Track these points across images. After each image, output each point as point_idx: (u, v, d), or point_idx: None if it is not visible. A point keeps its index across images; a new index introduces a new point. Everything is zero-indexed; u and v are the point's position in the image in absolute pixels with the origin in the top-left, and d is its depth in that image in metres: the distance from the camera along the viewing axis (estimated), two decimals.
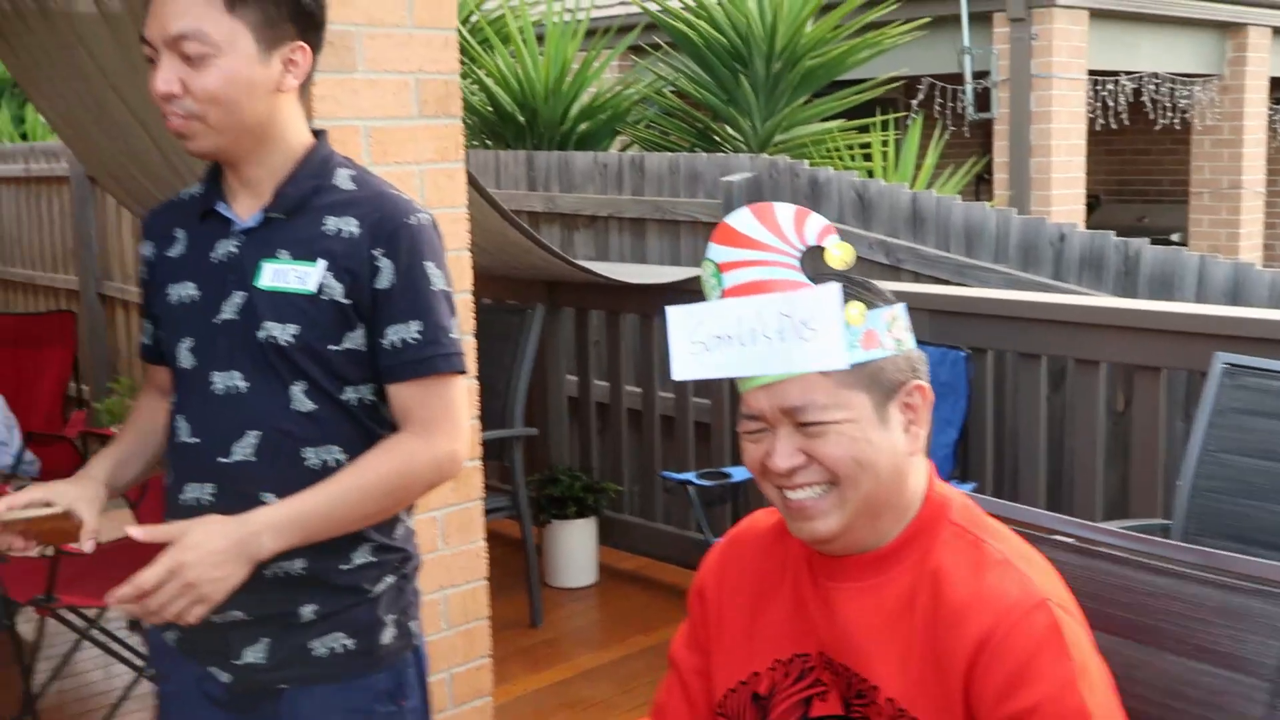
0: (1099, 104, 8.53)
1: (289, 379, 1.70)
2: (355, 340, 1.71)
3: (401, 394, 1.73)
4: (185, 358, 1.75)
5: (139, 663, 3.43)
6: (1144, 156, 11.91)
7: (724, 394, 4.45)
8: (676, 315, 1.39)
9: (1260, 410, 2.87)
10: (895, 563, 1.40)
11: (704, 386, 4.59)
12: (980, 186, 9.78)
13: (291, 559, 1.69)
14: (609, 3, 9.65)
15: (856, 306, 1.35)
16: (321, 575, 1.72)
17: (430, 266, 1.72)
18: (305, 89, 1.77)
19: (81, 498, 1.72)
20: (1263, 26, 9.43)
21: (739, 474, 3.67)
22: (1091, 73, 8.28)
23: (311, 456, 1.70)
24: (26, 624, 3.83)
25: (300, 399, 1.70)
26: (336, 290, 1.69)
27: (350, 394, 1.73)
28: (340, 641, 1.74)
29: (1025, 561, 1.38)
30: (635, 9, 7.01)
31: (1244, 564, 1.55)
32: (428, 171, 2.93)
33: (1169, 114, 9.09)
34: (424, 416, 1.72)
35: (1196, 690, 1.51)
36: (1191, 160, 9.73)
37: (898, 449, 1.38)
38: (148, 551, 1.60)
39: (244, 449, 1.70)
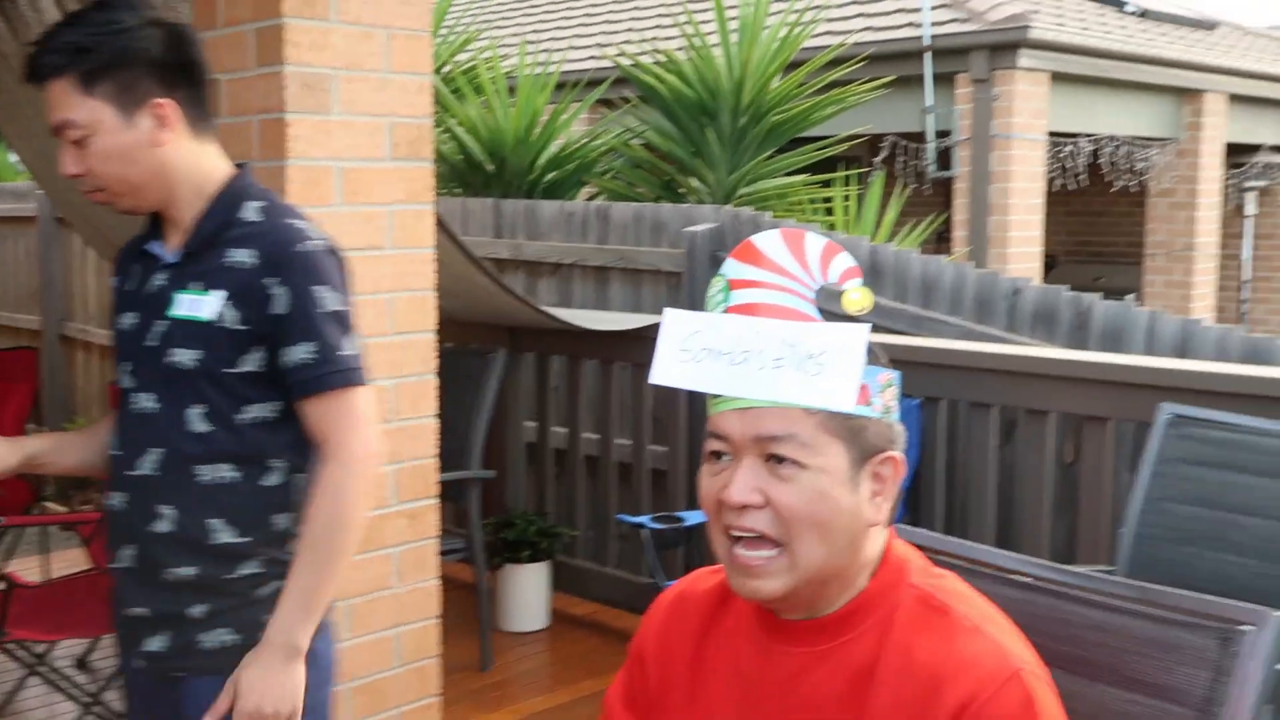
0: (1058, 165, 8.68)
1: (189, 402, 1.87)
2: (254, 363, 1.87)
3: (307, 411, 1.89)
4: (125, 379, 1.95)
5: (85, 699, 3.40)
6: (1101, 218, 12.11)
7: (680, 441, 4.49)
8: (673, 318, 1.36)
9: (1202, 460, 2.94)
10: (852, 626, 1.35)
11: (661, 434, 4.63)
12: (940, 243, 9.92)
13: (184, 567, 1.88)
14: (580, 56, 9.78)
15: None
16: (210, 582, 1.89)
17: (320, 290, 1.87)
18: (204, 127, 1.95)
19: None
20: (1218, 93, 9.65)
21: (692, 518, 3.70)
22: (1051, 134, 8.44)
23: (205, 474, 1.88)
24: None
25: (196, 421, 1.88)
26: (233, 318, 1.85)
27: (250, 413, 1.89)
28: (224, 637, 1.89)
29: (994, 626, 1.34)
30: (606, 62, 7.12)
31: (1174, 598, 1.59)
32: (397, 212, 2.97)
33: (1126, 176, 9.27)
34: (332, 434, 1.88)
35: (1129, 719, 1.55)
36: (1147, 222, 9.91)
37: (859, 516, 1.32)
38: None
39: (148, 464, 1.89)
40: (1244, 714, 1.47)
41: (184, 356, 1.87)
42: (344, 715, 2.94)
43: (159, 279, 1.93)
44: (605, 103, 7.94)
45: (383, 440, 1.97)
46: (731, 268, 1.36)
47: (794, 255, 1.35)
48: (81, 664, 4.03)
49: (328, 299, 1.87)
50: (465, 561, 4.20)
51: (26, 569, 4.58)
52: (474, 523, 4.13)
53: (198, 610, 1.89)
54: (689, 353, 1.34)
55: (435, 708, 3.14)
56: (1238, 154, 10.49)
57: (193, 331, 1.87)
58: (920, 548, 1.83)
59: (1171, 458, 2.98)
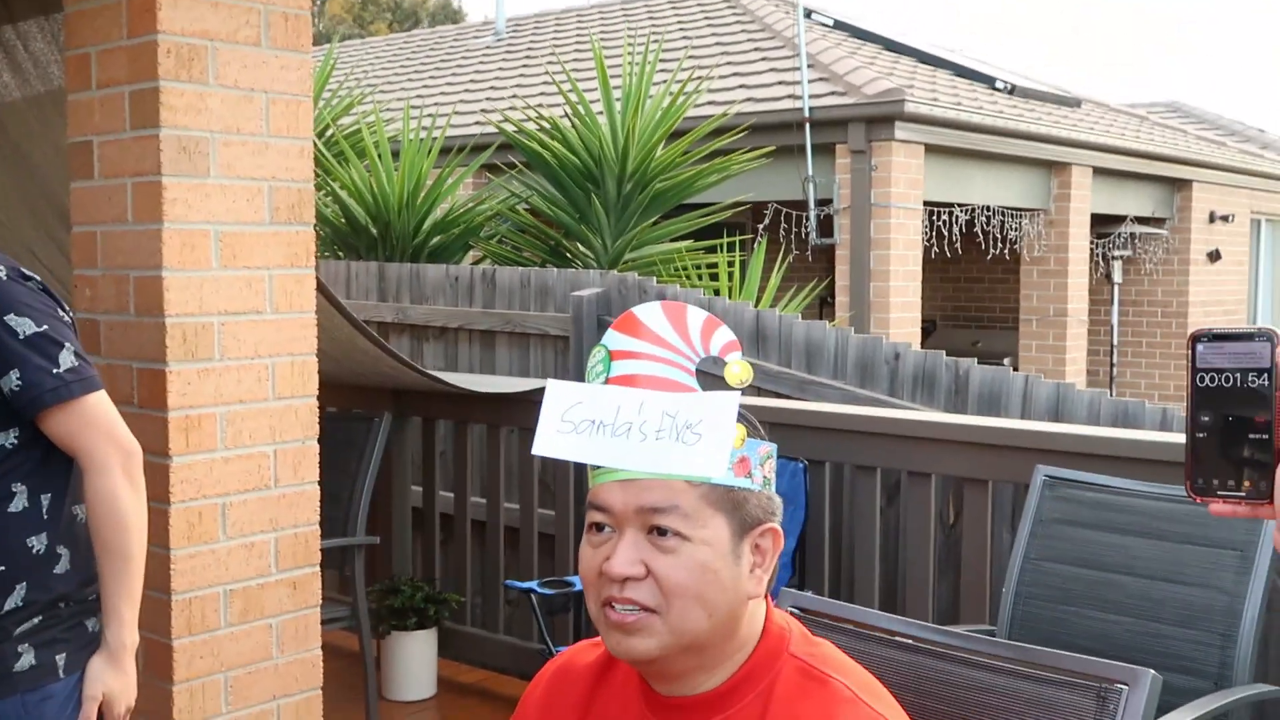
0: (934, 233, 8.93)
1: None
2: None
3: (47, 431, 2.00)
4: None
5: None
6: (977, 284, 12.47)
7: (569, 504, 4.47)
8: (555, 389, 1.35)
9: (1077, 520, 3.02)
10: (734, 701, 1.34)
11: (549, 498, 4.60)
12: (823, 308, 10.10)
13: None
14: (465, 121, 9.80)
15: (740, 429, 1.31)
16: None
17: (9, 319, 1.96)
18: None
19: None
20: (1084, 166, 10.04)
21: (581, 583, 3.68)
22: (927, 203, 8.68)
23: None
24: None
25: None
26: None
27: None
28: None
29: (873, 696, 1.35)
30: (490, 128, 7.14)
31: (1052, 657, 1.63)
32: (277, 276, 2.93)
33: (1000, 244, 9.56)
34: (78, 446, 2.00)
35: None
36: (1021, 288, 10.23)
37: (740, 589, 1.33)
38: None
39: None
40: None
41: None
42: None
43: None
44: (490, 168, 7.97)
45: (129, 435, 2.04)
46: (612, 339, 1.37)
47: (675, 328, 1.36)
48: None
49: (19, 325, 1.96)
50: (349, 629, 4.12)
51: None
52: (358, 590, 4.05)
53: None
54: (570, 424, 1.33)
55: None
56: (1103, 224, 10.91)
57: None
58: (808, 611, 1.86)
59: (1048, 519, 3.06)
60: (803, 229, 8.55)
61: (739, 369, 1.32)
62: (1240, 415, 1.12)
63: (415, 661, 4.48)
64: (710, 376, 1.33)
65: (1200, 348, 1.15)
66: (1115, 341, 11.47)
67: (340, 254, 6.78)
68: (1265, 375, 1.11)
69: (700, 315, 1.37)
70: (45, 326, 1.99)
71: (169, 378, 2.73)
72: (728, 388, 1.31)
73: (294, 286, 2.97)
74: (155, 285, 2.73)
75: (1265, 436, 1.12)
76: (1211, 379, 1.13)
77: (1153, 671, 1.54)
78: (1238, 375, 1.12)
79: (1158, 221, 11.55)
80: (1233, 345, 1.13)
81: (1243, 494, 1.13)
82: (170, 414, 2.74)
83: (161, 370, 2.74)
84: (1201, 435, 1.14)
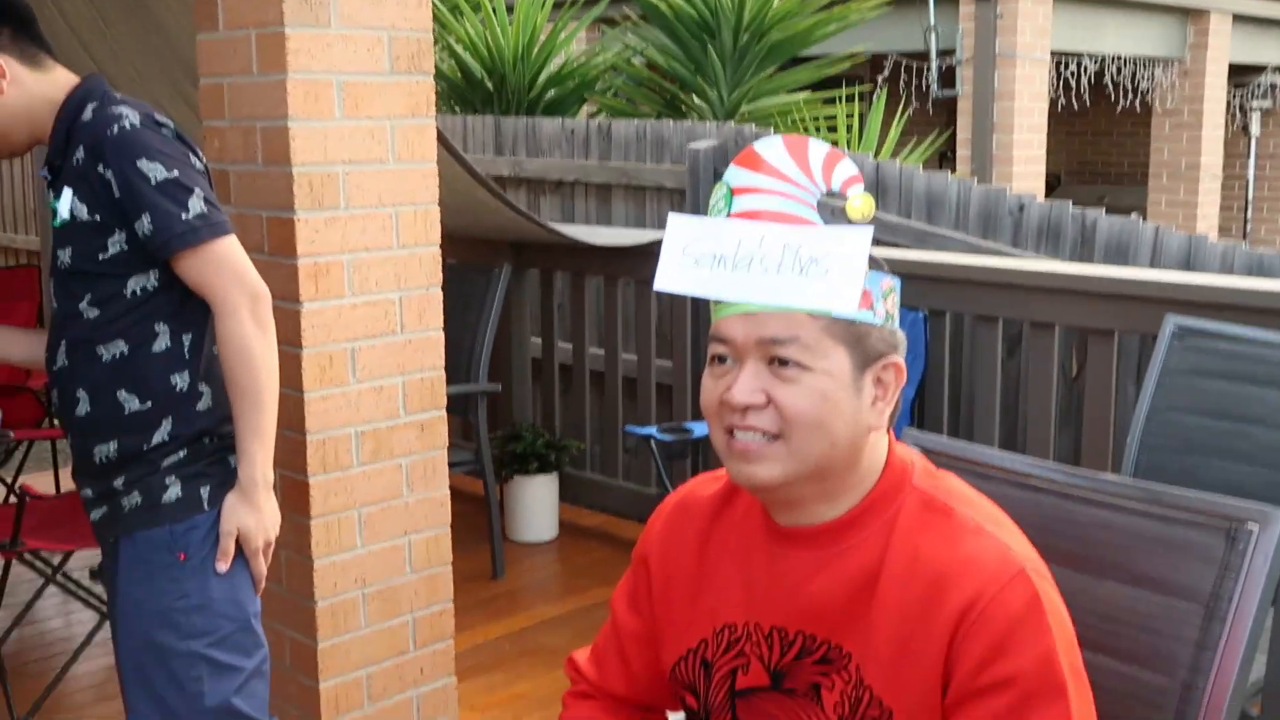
0: (1061, 84, 8.62)
1: (78, 293, 2.08)
2: (118, 245, 2.05)
3: (180, 274, 2.06)
4: (51, 289, 2.19)
5: (100, 606, 3.45)
6: (1105, 138, 12.05)
7: (686, 355, 4.50)
8: (676, 223, 1.35)
9: (1207, 371, 2.95)
10: (856, 530, 1.35)
11: (666, 348, 4.64)
12: (943, 162, 9.86)
13: (105, 443, 2.10)
14: None
15: None
16: (128, 455, 2.10)
17: (141, 164, 2.01)
18: (40, 58, 2.13)
19: None
20: (1223, 12, 9.55)
21: (700, 429, 3.72)
22: (1055, 53, 8.37)
23: (103, 353, 2.08)
24: None
25: (86, 308, 2.08)
26: (83, 211, 2.04)
27: (130, 288, 2.07)
28: (135, 499, 2.10)
29: (997, 526, 1.35)
30: None
31: (1180, 498, 1.61)
32: (398, 126, 2.95)
33: (1130, 96, 9.20)
34: (208, 290, 2.06)
35: (1135, 615, 1.57)
36: (1151, 142, 9.86)
37: (860, 421, 1.32)
38: None
39: (60, 356, 2.13)
40: (1251, 609, 1.50)
41: (64, 256, 2.09)
42: (358, 621, 2.99)
43: (49, 196, 2.13)
44: (605, 20, 7.86)
45: (257, 279, 2.09)
46: (734, 174, 1.35)
47: (796, 162, 1.34)
48: (94, 573, 4.08)
49: (151, 170, 2.01)
50: (473, 474, 4.24)
51: (40, 482, 4.64)
52: (482, 436, 4.16)
53: (119, 482, 2.11)
54: (692, 258, 1.33)
55: (447, 614, 3.19)
56: (1242, 74, 10.41)
57: (63, 233, 2.08)
58: (929, 450, 1.86)
59: (1177, 369, 2.99)
60: (924, 80, 8.31)
61: (860, 202, 1.31)
62: None
63: (537, 505, 4.60)
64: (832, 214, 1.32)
65: None
66: (1250, 197, 11.03)
67: (456, 109, 6.79)
68: None
69: (822, 148, 1.35)
70: (176, 172, 2.03)
71: (297, 226, 2.79)
72: (849, 223, 1.29)
73: (415, 136, 2.99)
74: (281, 135, 2.76)
75: None
76: None
77: None
78: None
79: None
80: None
81: None
82: (300, 261, 2.80)
83: (290, 218, 2.79)
84: None
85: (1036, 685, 1.26)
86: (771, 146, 1.35)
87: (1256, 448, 2.82)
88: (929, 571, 1.30)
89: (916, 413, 3.72)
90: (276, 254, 2.83)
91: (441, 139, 3.25)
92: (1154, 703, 1.52)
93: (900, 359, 1.37)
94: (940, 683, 1.29)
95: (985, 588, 1.27)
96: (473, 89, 6.62)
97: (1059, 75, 8.57)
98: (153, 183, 2.01)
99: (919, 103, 8.31)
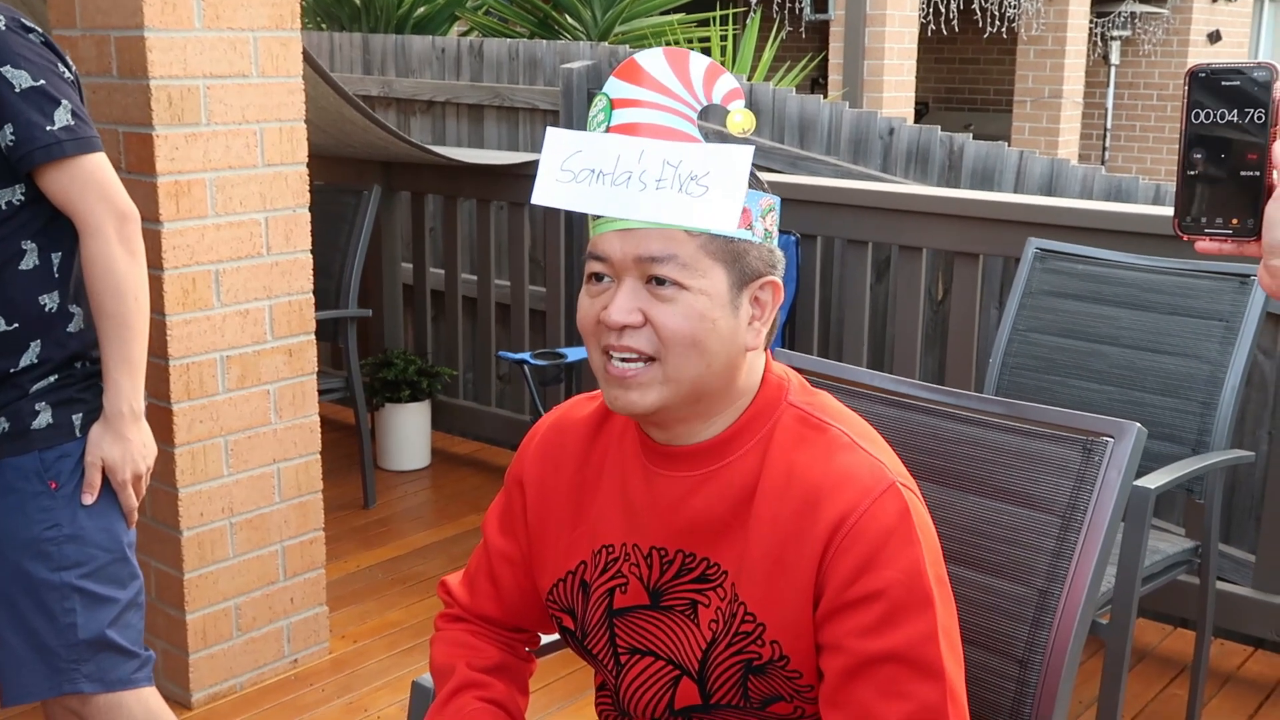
0: (931, 10, 8.71)
1: None
2: None
3: (44, 188, 1.95)
4: None
5: None
6: (972, 65, 12.23)
7: (560, 280, 4.48)
8: (554, 137, 1.32)
9: (1066, 292, 3.04)
10: (733, 448, 1.36)
11: (540, 273, 4.61)
12: (814, 87, 9.92)
13: None
14: None
15: None
16: None
17: (5, 70, 1.90)
18: None
19: None
20: None
21: (574, 354, 3.72)
22: None
23: None
24: None
25: None
26: None
27: (3, 197, 1.95)
28: (1, 427, 1.99)
29: (870, 442, 1.36)
30: None
31: (1040, 412, 1.66)
32: (262, 38, 2.86)
33: (997, 23, 9.34)
34: (73, 207, 1.96)
35: (997, 527, 1.62)
36: (1016, 69, 10.04)
37: (737, 340, 1.32)
38: None
39: None
40: (1104, 520, 1.56)
41: None
42: (225, 550, 2.94)
43: None
44: None
45: (126, 199, 2.00)
46: (614, 86, 1.32)
47: (677, 75, 1.31)
48: None
49: (15, 78, 1.91)
50: (344, 402, 4.18)
51: None
52: (352, 362, 4.10)
53: None
54: (570, 173, 1.30)
55: (318, 542, 3.15)
56: (1103, 3, 10.64)
57: None
58: (800, 369, 1.88)
59: (1038, 290, 3.08)
60: (797, 4, 8.32)
61: (741, 117, 1.30)
62: (1233, 152, 1.12)
63: (409, 432, 4.56)
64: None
65: (1198, 83, 1.13)
66: (1109, 125, 11.33)
67: (323, 25, 6.60)
68: (1262, 111, 1.10)
69: (703, 62, 1.33)
70: (42, 81, 1.92)
71: (156, 142, 2.69)
72: (730, 139, 1.28)
73: (279, 49, 2.90)
74: (137, 46, 2.65)
75: (1256, 173, 1.11)
76: (1207, 115, 1.12)
77: (1138, 425, 1.57)
78: (1234, 111, 1.11)
79: (1159, 1, 11.26)
80: (1231, 80, 1.11)
81: (1230, 231, 1.14)
82: (159, 179, 2.71)
83: (148, 134, 2.69)
84: (1193, 173, 1.14)
85: (904, 597, 1.28)
86: (653, 58, 1.32)
87: (1110, 366, 2.93)
88: (803, 487, 1.32)
89: (787, 335, 3.77)
90: (135, 172, 2.73)
91: (306, 56, 3.15)
92: (1013, 611, 1.58)
93: (778, 278, 1.37)
94: (812, 596, 1.31)
95: (858, 502, 1.29)
96: (340, 4, 6.43)
97: (929, 1, 8.66)
98: (16, 90, 1.89)
99: (793, 26, 8.32)
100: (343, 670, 3.18)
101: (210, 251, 2.82)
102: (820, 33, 8.93)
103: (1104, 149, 11.28)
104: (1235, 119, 1.10)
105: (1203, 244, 1.18)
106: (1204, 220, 1.14)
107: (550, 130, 1.33)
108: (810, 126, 4.45)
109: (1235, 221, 1.13)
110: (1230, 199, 1.12)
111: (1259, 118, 1.10)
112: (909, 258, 3.65)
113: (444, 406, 4.84)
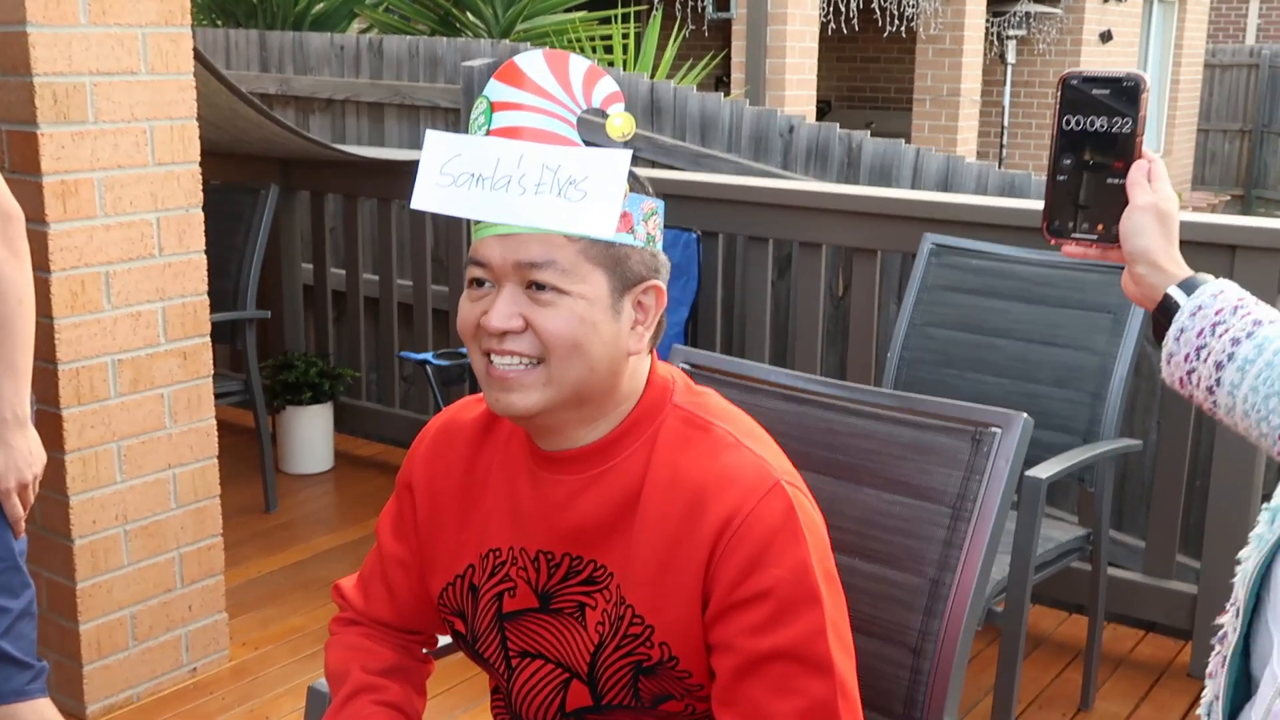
0: (832, 9, 8.80)
1: None
2: None
3: None
4: None
5: None
6: (873, 64, 12.39)
7: (462, 280, 4.44)
8: (433, 140, 1.31)
9: (960, 287, 3.10)
10: (618, 451, 1.36)
11: (442, 273, 4.58)
12: (718, 86, 9.98)
13: None
14: None
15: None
16: None
17: None
18: None
19: None
20: None
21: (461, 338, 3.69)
22: None
23: None
24: None
25: None
26: None
27: None
28: None
29: (754, 440, 1.37)
30: None
31: (931, 405, 1.69)
32: (150, 34, 2.80)
33: (896, 23, 9.47)
34: None
35: (889, 518, 1.64)
36: (916, 68, 10.19)
37: (620, 344, 1.32)
38: None
39: None
40: (993, 508, 1.59)
41: None
42: (120, 558, 2.88)
43: None
44: None
45: (9, 199, 1.95)
46: (495, 89, 1.31)
47: (557, 78, 1.31)
48: None
49: None
50: (243, 405, 4.11)
51: None
52: (251, 365, 4.03)
53: None
54: (449, 176, 1.29)
55: (216, 549, 3.10)
56: (1000, 3, 10.84)
57: None
58: (699, 366, 1.89)
59: (934, 285, 3.13)
60: (699, 2, 8.36)
61: (621, 121, 1.29)
62: (1101, 160, 1.14)
63: (311, 435, 4.50)
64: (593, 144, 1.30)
65: (1069, 90, 1.15)
66: (1006, 123, 11.55)
67: (218, 21, 6.48)
68: (1129, 121, 1.12)
69: (583, 65, 1.32)
70: None
71: (41, 141, 2.62)
72: (609, 143, 1.28)
73: (169, 46, 2.84)
74: (19, 41, 2.58)
75: (1122, 182, 1.14)
76: (1077, 122, 1.14)
77: (1025, 415, 1.61)
78: (1103, 120, 1.13)
79: (1053, 1, 11.51)
80: (1102, 89, 1.13)
81: (1095, 237, 1.16)
82: (45, 179, 2.64)
83: (33, 133, 2.62)
84: (1062, 178, 1.16)
85: (791, 594, 1.28)
86: (533, 61, 1.31)
87: (1003, 359, 2.99)
88: (688, 487, 1.32)
89: (690, 331, 3.79)
90: (19, 171, 2.66)
91: (198, 55, 3.09)
92: (905, 601, 1.60)
93: (661, 282, 1.36)
94: (700, 597, 1.31)
95: (743, 502, 1.30)
96: (235, 1, 6.32)
97: (830, 0, 8.75)
98: None
99: (695, 25, 8.36)
100: (243, 678, 3.13)
101: (100, 253, 2.76)
102: (723, 31, 8.98)
103: (1002, 146, 11.50)
104: (1104, 127, 1.13)
105: (1069, 248, 1.20)
106: (1070, 225, 1.16)
107: (430, 133, 1.32)
108: (711, 124, 4.48)
109: (1100, 228, 1.15)
110: (1096, 206, 1.14)
111: (1126, 127, 1.12)
112: (809, 254, 3.69)
113: (347, 408, 4.78)
